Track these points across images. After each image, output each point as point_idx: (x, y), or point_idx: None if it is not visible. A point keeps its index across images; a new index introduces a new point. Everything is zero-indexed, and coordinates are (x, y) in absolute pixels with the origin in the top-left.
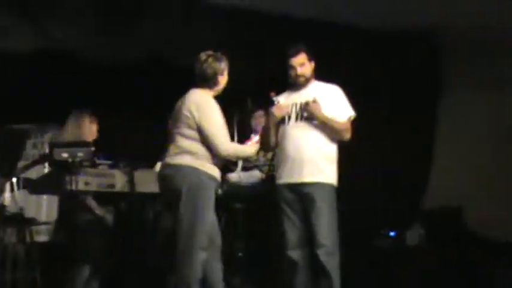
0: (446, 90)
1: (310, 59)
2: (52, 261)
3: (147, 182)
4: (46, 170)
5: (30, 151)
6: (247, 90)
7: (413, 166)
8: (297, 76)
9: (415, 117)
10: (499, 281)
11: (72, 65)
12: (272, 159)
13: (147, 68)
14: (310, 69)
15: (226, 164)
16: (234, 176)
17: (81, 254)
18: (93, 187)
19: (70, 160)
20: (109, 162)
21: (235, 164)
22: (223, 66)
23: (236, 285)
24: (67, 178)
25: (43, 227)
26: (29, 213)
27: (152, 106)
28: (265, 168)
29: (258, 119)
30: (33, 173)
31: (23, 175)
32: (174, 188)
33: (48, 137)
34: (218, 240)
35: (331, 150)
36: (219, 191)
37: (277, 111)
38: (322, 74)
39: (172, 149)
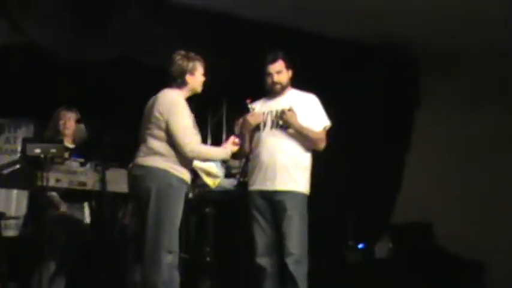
0: (418, 105)
1: (287, 67)
2: (20, 255)
3: (118, 181)
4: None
5: (3, 145)
6: (223, 93)
7: (384, 179)
8: (274, 83)
9: (386, 130)
10: None
11: (45, 62)
12: (245, 165)
13: (119, 68)
14: (287, 77)
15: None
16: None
17: (46, 250)
18: (64, 184)
19: (42, 156)
20: (81, 160)
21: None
22: (191, 65)
23: None
24: (38, 174)
25: (12, 221)
26: None
27: (123, 106)
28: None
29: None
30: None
31: None
32: (143, 189)
33: (21, 131)
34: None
35: (304, 159)
36: (190, 195)
37: (251, 119)
38: (296, 82)
39: (143, 149)
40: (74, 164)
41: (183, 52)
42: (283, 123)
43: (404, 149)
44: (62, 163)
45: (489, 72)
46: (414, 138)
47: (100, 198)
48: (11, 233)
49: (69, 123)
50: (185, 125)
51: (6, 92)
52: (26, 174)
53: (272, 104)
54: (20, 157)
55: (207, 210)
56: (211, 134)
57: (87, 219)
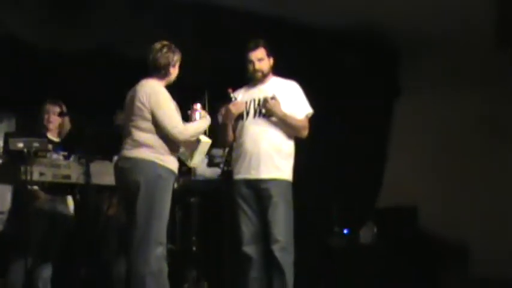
0: (400, 91)
1: (269, 55)
2: (4, 250)
3: (103, 174)
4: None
5: None
6: (204, 83)
7: (368, 164)
8: (255, 71)
9: (370, 115)
10: (447, 281)
11: (25, 54)
12: (228, 154)
13: (99, 59)
14: (268, 65)
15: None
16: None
17: (28, 244)
18: (48, 178)
19: (25, 150)
20: (65, 153)
21: None
22: (176, 58)
23: (191, 280)
24: (22, 168)
25: None
26: None
27: (102, 97)
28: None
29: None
30: None
31: None
32: (131, 182)
33: (2, 126)
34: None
35: (288, 146)
36: (175, 185)
37: (233, 108)
38: (278, 70)
39: (128, 142)
40: (58, 157)
41: (166, 43)
42: (266, 112)
43: (386, 135)
44: (45, 157)
45: (468, 58)
46: (396, 124)
47: (84, 191)
48: None
49: (53, 117)
50: (171, 111)
51: None
52: (9, 168)
53: (254, 92)
54: (2, 152)
55: (191, 200)
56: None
57: (72, 211)
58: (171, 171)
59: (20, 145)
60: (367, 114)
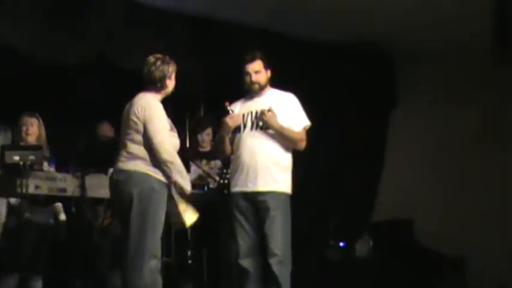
0: (397, 103)
1: (266, 67)
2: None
3: (98, 187)
4: None
5: None
6: (200, 94)
7: (364, 177)
8: (251, 83)
9: (366, 128)
10: None
11: (21, 65)
12: (225, 168)
13: (95, 70)
14: (265, 78)
15: None
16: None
17: (18, 256)
18: (43, 190)
19: (21, 163)
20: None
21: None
22: (171, 69)
23: None
24: (17, 181)
25: None
26: None
27: (98, 109)
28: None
29: (205, 137)
30: None
31: None
32: (125, 194)
33: None
34: None
35: (285, 159)
36: None
37: (230, 121)
38: (276, 82)
39: (123, 154)
40: (52, 170)
41: (160, 56)
42: (263, 124)
43: (382, 148)
44: (41, 170)
45: (465, 69)
46: (393, 136)
47: (80, 203)
48: None
49: (32, 129)
50: (162, 127)
51: None
52: (5, 181)
53: (251, 105)
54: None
55: None
56: (190, 136)
57: (63, 219)
58: (164, 183)
59: (16, 158)
60: (364, 126)
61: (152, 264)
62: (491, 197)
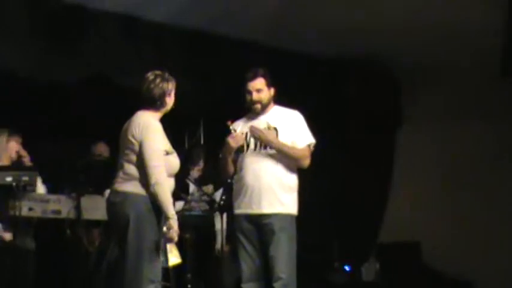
0: (404, 123)
1: (269, 85)
2: None
3: (94, 208)
4: None
5: None
6: (200, 113)
7: (370, 199)
8: (253, 102)
9: (372, 147)
10: None
11: (17, 84)
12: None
13: (92, 88)
14: (268, 96)
15: (175, 191)
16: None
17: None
18: (37, 213)
19: (14, 184)
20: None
21: (186, 191)
22: (170, 86)
23: None
24: (10, 203)
25: None
26: None
27: (95, 128)
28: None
29: (197, 172)
30: None
31: None
32: (122, 216)
33: None
34: None
35: (291, 179)
36: None
37: (232, 141)
38: (280, 100)
39: (120, 175)
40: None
41: (159, 72)
42: (259, 141)
43: (388, 168)
44: (34, 191)
45: (471, 86)
46: (399, 156)
47: (75, 226)
48: None
49: (11, 146)
50: (156, 149)
51: None
52: None
53: (254, 124)
54: None
55: (186, 236)
56: (189, 156)
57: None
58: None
59: (9, 179)
60: (369, 145)
61: None
62: (498, 218)
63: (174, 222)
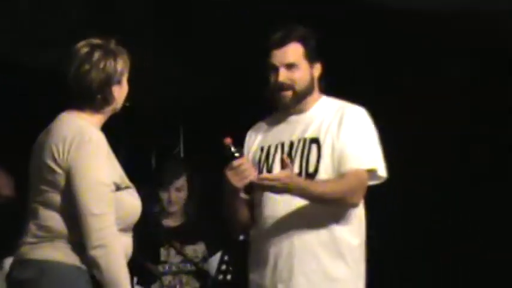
0: None
1: (311, 57)
2: None
3: None
4: None
5: None
6: (177, 118)
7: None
8: (278, 87)
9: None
10: None
11: None
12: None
13: None
14: (307, 76)
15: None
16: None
17: None
18: None
19: None
20: None
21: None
22: (119, 66)
23: None
24: None
25: None
26: None
27: None
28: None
29: (174, 195)
30: None
31: None
32: None
33: None
34: None
35: (350, 231)
36: None
37: (233, 178)
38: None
39: (31, 230)
40: None
41: (98, 42)
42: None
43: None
44: None
45: None
46: None
47: None
48: None
49: None
50: (97, 181)
51: None
52: None
53: (282, 131)
54: None
55: None
56: (157, 189)
57: None
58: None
59: None
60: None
61: None
62: None
63: None
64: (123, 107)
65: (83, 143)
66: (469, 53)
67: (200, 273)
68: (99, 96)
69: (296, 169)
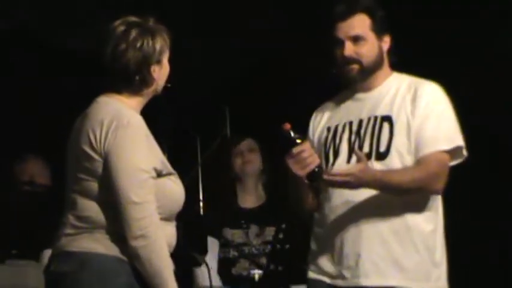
0: None
1: (377, 28)
2: None
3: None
4: None
5: None
6: (222, 99)
7: None
8: (343, 60)
9: None
10: None
11: None
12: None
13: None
14: (375, 49)
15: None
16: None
17: None
18: None
19: None
20: None
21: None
22: (158, 45)
23: None
24: None
25: None
26: None
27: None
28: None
29: (241, 157)
30: None
31: None
32: None
33: None
34: None
35: (426, 221)
36: None
37: (294, 166)
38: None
39: (70, 221)
40: None
41: (135, 20)
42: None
43: None
44: None
45: None
46: None
47: None
48: None
49: None
50: (137, 168)
51: None
52: None
53: (350, 109)
54: None
55: None
56: (203, 178)
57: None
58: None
59: None
60: None
61: None
62: None
63: None
64: (165, 88)
65: (120, 127)
66: None
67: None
68: (137, 77)
69: (366, 148)
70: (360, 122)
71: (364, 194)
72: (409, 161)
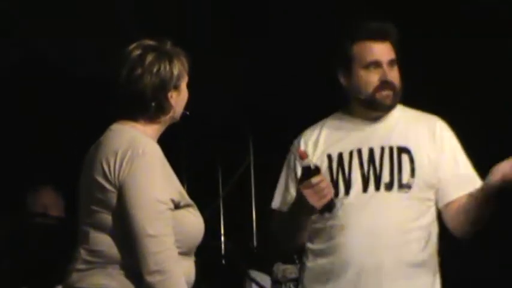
0: None
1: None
2: None
3: None
4: None
5: None
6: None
7: None
8: (384, 86)
9: None
10: None
11: None
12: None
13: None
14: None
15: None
16: None
17: None
18: None
19: None
20: None
21: None
22: (176, 70)
23: None
24: None
25: None
26: None
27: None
28: None
29: None
30: None
31: None
32: None
33: None
34: None
35: (436, 246)
36: None
37: (312, 197)
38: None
39: (82, 256)
40: None
41: (152, 43)
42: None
43: None
44: None
45: None
46: None
47: None
48: None
49: None
50: (154, 200)
51: None
52: None
53: (355, 137)
54: None
55: None
56: (225, 208)
57: None
58: None
59: None
60: None
61: None
62: None
63: None
64: (183, 115)
65: (136, 156)
66: None
67: None
68: (153, 103)
69: (386, 178)
70: (371, 150)
71: (382, 220)
72: (429, 195)
